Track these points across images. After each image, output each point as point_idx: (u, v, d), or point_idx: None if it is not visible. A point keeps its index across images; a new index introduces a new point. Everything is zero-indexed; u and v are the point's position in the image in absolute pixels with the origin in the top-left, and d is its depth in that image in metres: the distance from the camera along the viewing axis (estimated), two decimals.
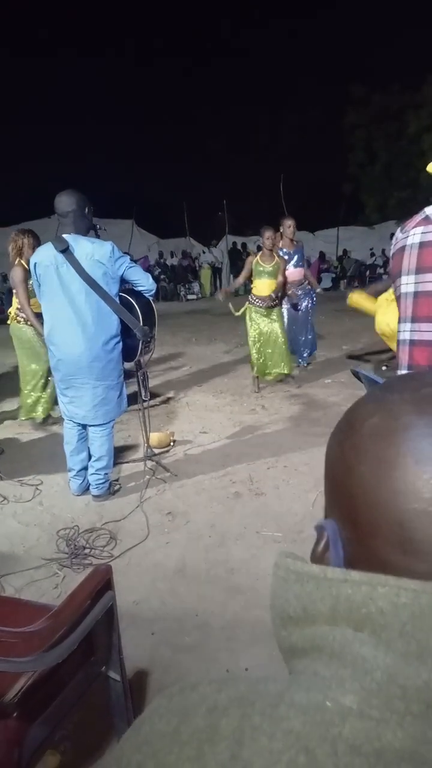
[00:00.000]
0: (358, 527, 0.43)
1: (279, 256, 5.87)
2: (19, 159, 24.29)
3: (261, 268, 5.73)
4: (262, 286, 5.77)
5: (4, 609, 1.80)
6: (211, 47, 33.19)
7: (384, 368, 6.58)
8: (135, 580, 2.75)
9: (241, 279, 6.15)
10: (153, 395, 5.60)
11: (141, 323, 3.39)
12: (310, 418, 5.00)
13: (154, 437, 4.31)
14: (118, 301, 3.32)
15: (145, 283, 3.43)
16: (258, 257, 5.79)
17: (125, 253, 3.44)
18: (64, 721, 1.47)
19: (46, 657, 1.22)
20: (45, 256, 3.25)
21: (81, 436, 3.59)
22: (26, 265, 4.54)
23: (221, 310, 6.01)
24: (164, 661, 2.19)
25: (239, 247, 19.17)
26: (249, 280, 5.98)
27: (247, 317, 5.93)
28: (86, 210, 3.30)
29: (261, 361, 5.93)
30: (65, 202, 3.24)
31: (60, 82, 27.90)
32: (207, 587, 2.66)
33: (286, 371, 6.00)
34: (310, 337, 6.65)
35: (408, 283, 1.91)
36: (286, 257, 6.12)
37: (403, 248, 1.90)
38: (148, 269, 16.06)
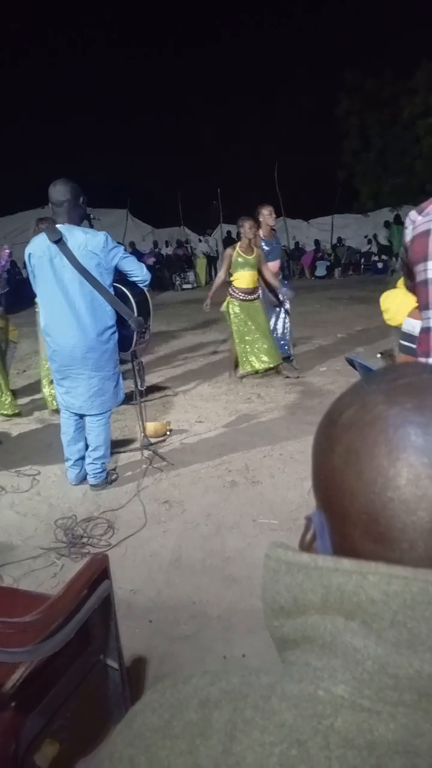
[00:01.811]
0: (333, 515, 0.43)
1: (258, 247, 5.70)
2: (11, 150, 24.05)
3: (242, 260, 5.58)
4: (244, 278, 5.63)
5: (2, 599, 1.80)
6: (204, 35, 32.85)
7: (378, 356, 6.59)
8: (132, 569, 2.77)
9: (222, 275, 5.87)
10: (149, 388, 5.59)
11: (135, 314, 3.38)
12: (306, 406, 5.01)
13: (151, 427, 4.31)
14: (112, 292, 3.30)
15: (139, 273, 3.41)
16: (237, 249, 5.62)
17: (119, 243, 3.41)
18: (62, 710, 1.47)
19: (43, 647, 1.22)
20: (38, 246, 3.23)
21: (78, 426, 3.59)
22: None
23: (217, 300, 5.92)
24: (161, 650, 2.20)
25: (234, 236, 19.07)
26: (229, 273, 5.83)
27: (230, 311, 5.78)
28: (80, 200, 3.27)
29: (247, 354, 5.79)
30: (60, 191, 3.21)
31: (53, 73, 27.60)
32: (203, 576, 2.68)
33: (273, 363, 5.86)
34: (285, 330, 6.31)
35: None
36: (266, 248, 5.87)
37: (428, 231, 1.82)
38: (153, 264, 15.98)
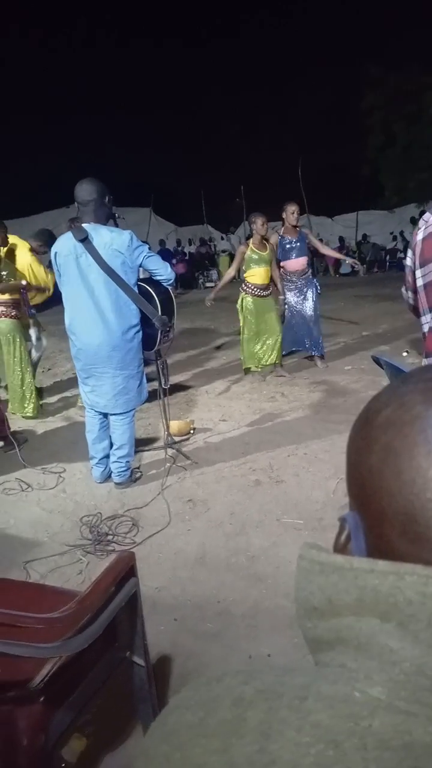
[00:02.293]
0: (370, 516, 0.43)
1: (271, 243, 5.77)
2: (36, 149, 24.33)
3: (256, 256, 5.61)
4: (259, 275, 5.67)
5: (30, 595, 1.83)
6: (226, 31, 32.76)
7: (405, 353, 6.51)
8: (156, 566, 2.78)
9: (232, 272, 5.95)
10: (173, 387, 5.62)
11: (160, 313, 3.39)
12: (330, 405, 4.98)
13: (174, 425, 4.33)
14: (136, 291, 3.32)
15: (163, 272, 3.42)
16: (251, 245, 5.65)
17: (143, 242, 3.42)
18: (89, 706, 1.49)
19: (72, 643, 1.24)
20: (65, 245, 3.26)
21: (102, 424, 3.62)
22: None
23: (218, 296, 5.94)
24: (186, 648, 2.21)
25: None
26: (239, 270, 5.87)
27: (242, 307, 5.82)
28: (106, 199, 3.30)
29: (257, 350, 5.85)
30: (86, 190, 3.24)
31: (75, 72, 27.79)
32: (228, 575, 2.68)
33: (275, 361, 5.93)
34: (316, 326, 6.25)
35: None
36: (287, 246, 5.93)
37: None
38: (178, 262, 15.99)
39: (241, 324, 5.92)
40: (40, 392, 5.74)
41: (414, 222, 17.03)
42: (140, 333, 3.43)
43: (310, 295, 6.09)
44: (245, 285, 5.81)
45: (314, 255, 6.82)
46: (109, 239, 3.20)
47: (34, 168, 22.19)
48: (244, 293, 5.81)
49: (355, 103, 20.93)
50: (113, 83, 28.71)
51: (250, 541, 2.94)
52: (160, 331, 3.46)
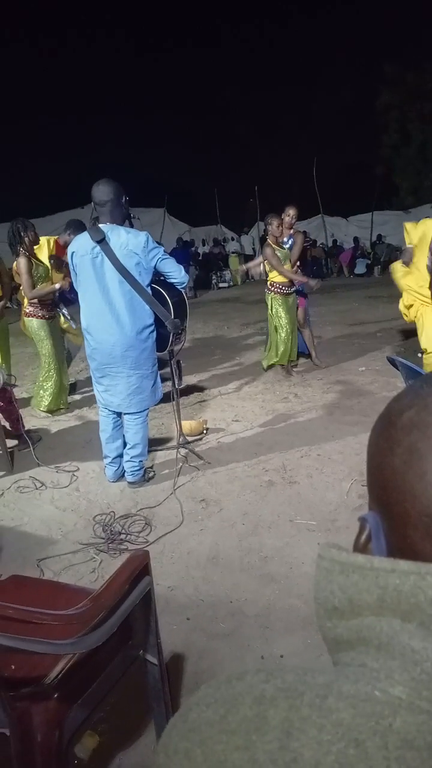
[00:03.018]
0: (392, 518, 0.43)
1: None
2: (52, 151, 24.51)
3: (280, 254, 5.71)
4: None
5: (45, 592, 1.84)
6: (239, 31, 32.72)
7: (420, 355, 6.46)
8: (169, 566, 2.79)
9: (277, 265, 5.78)
10: (186, 387, 5.64)
11: (172, 315, 3.39)
12: (344, 406, 4.95)
13: (187, 425, 4.34)
14: (150, 292, 3.33)
15: (177, 275, 3.42)
16: (273, 245, 5.71)
17: (158, 243, 3.43)
18: (103, 703, 1.50)
19: (87, 640, 1.24)
20: (81, 245, 3.28)
21: (116, 423, 3.63)
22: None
23: (252, 298, 5.97)
24: (199, 647, 2.21)
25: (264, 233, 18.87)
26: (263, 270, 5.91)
27: (273, 308, 5.86)
28: (123, 199, 3.31)
29: (281, 347, 5.90)
30: (103, 191, 3.25)
31: (90, 73, 27.93)
32: (241, 575, 2.68)
33: (294, 357, 6.07)
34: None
35: None
36: (286, 246, 6.01)
37: None
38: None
39: (273, 324, 5.93)
40: (72, 388, 5.91)
41: None
42: (155, 333, 3.44)
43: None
44: (271, 285, 5.85)
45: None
46: (125, 240, 3.22)
47: (48, 170, 22.37)
48: (272, 294, 5.85)
49: (370, 103, 20.85)
50: (129, 84, 28.85)
51: (263, 542, 2.93)
52: (172, 334, 3.47)
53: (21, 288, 5.00)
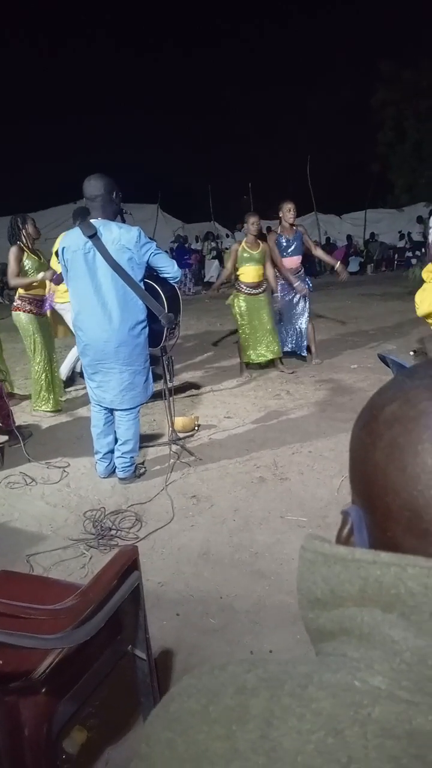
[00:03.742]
0: (374, 512, 0.43)
1: (265, 242, 5.84)
2: (45, 146, 24.38)
3: (247, 255, 5.70)
4: (250, 273, 5.75)
5: (34, 587, 1.84)
6: (234, 29, 32.61)
7: (411, 353, 6.49)
8: (160, 562, 2.79)
9: (228, 270, 5.97)
10: (178, 383, 5.63)
11: (166, 310, 3.39)
12: (336, 403, 4.97)
13: (179, 422, 4.34)
14: (143, 287, 3.32)
15: (170, 270, 3.41)
16: (243, 244, 5.73)
17: (150, 238, 3.42)
18: (92, 698, 1.50)
19: (75, 634, 1.24)
20: (73, 240, 3.26)
21: (107, 420, 3.63)
22: None
23: (216, 295, 6.00)
24: (189, 643, 2.22)
25: (264, 230, 18.90)
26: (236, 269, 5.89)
27: (235, 305, 5.90)
28: (114, 194, 3.30)
29: (248, 346, 5.92)
30: (94, 186, 3.24)
31: (84, 69, 27.81)
32: (231, 571, 2.68)
33: (271, 356, 5.98)
34: (303, 327, 6.31)
35: None
36: (284, 244, 5.99)
37: None
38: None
39: (237, 325, 5.97)
40: (67, 384, 5.89)
41: (421, 221, 16.95)
42: (147, 329, 3.43)
43: (304, 292, 6.14)
44: (237, 283, 5.89)
45: (310, 255, 6.80)
46: (117, 235, 3.20)
47: (42, 164, 22.24)
48: (236, 292, 5.90)
49: (365, 101, 20.84)
50: (122, 81, 28.72)
51: (253, 538, 2.94)
52: (165, 329, 3.46)
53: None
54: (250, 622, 2.32)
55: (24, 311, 4.95)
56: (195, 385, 5.88)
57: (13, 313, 5.05)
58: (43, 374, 5.08)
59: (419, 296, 4.81)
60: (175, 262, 3.50)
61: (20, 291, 4.94)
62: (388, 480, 0.41)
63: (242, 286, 5.82)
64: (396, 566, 0.38)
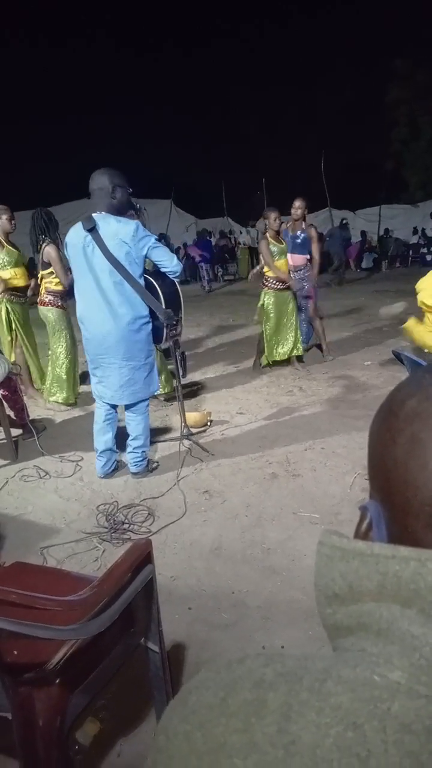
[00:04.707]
0: (393, 507, 0.43)
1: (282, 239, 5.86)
2: (58, 140, 24.48)
3: (276, 248, 5.71)
4: (279, 266, 5.74)
5: (48, 579, 1.85)
6: (248, 24, 32.45)
7: (426, 350, 6.43)
8: (172, 556, 2.80)
9: (268, 259, 5.78)
10: (192, 381, 5.63)
11: (164, 306, 3.37)
12: (349, 400, 4.95)
13: (191, 417, 4.34)
14: (142, 283, 3.30)
15: (169, 264, 3.35)
16: (269, 239, 5.71)
17: (163, 234, 3.40)
18: (104, 690, 1.51)
19: (89, 626, 1.25)
20: (75, 235, 3.26)
21: (108, 417, 3.60)
22: None
23: (259, 291, 5.95)
24: (201, 637, 2.22)
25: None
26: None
27: (265, 302, 5.86)
28: (118, 188, 3.24)
29: (275, 345, 5.92)
30: (96, 180, 3.24)
31: (100, 68, 27.84)
32: (243, 566, 2.68)
33: (299, 352, 6.04)
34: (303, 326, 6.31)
35: None
36: (290, 240, 5.98)
37: None
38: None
39: (262, 321, 5.94)
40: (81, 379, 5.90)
41: None
42: (148, 324, 3.39)
43: (305, 291, 6.13)
44: (265, 280, 5.85)
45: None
46: (115, 229, 3.18)
47: (55, 160, 22.34)
48: (266, 289, 5.85)
49: (379, 98, 20.70)
50: (139, 79, 28.74)
51: (265, 534, 2.94)
52: (165, 326, 3.44)
53: (40, 278, 5.01)
54: (262, 617, 2.32)
55: (55, 306, 4.96)
56: (207, 381, 5.87)
57: (41, 308, 5.04)
58: (67, 363, 5.09)
59: (422, 283, 4.60)
60: (175, 256, 3.45)
61: (48, 286, 4.93)
62: (408, 475, 0.41)
63: (271, 281, 5.80)
64: (415, 561, 0.38)
